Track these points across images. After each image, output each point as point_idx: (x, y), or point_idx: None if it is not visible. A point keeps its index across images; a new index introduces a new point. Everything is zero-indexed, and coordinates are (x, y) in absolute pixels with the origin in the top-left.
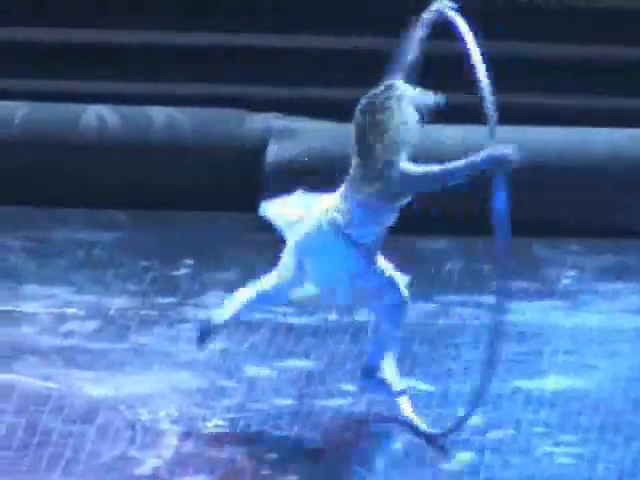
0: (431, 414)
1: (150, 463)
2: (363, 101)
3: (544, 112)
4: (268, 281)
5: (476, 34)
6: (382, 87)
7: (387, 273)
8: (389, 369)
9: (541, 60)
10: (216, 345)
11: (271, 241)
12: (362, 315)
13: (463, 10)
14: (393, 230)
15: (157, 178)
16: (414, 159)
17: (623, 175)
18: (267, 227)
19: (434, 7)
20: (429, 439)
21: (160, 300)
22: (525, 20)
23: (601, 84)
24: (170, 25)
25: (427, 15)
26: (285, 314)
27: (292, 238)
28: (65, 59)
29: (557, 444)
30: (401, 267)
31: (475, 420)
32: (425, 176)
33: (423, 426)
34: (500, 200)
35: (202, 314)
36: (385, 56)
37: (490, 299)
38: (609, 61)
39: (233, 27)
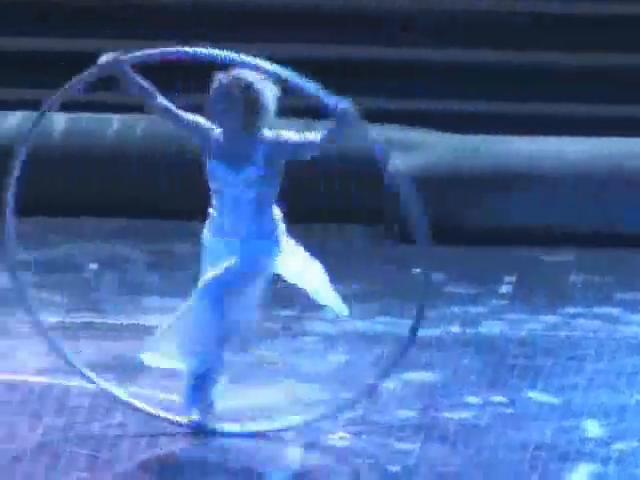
0: (553, 426)
1: (275, 477)
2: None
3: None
4: None
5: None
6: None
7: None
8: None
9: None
10: (338, 358)
11: (397, 255)
12: (486, 327)
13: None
14: (518, 243)
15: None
16: None
17: None
18: (394, 241)
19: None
20: None
21: (282, 312)
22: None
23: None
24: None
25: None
26: (408, 326)
27: None
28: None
29: None
30: (524, 280)
31: (599, 432)
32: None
33: None
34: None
35: (322, 327)
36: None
37: (614, 311)
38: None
39: (350, 40)
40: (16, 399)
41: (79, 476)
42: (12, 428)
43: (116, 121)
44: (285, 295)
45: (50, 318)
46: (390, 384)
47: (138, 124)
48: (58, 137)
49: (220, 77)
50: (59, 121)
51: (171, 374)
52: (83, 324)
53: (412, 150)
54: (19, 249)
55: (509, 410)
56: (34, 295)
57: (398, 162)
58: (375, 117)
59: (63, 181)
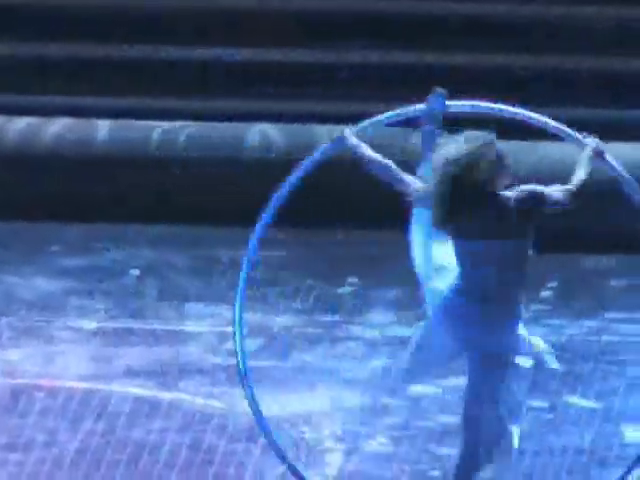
0: (593, 431)
1: None
2: None
3: None
4: None
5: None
6: None
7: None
8: None
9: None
10: (379, 362)
11: None
12: (527, 332)
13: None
14: (558, 248)
15: (319, 196)
16: None
17: None
18: None
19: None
20: None
21: (324, 318)
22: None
23: None
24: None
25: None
26: None
27: None
28: (224, 77)
29: None
30: (565, 284)
31: (639, 437)
32: None
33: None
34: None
35: (364, 332)
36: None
37: None
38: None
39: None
40: (57, 404)
41: None
42: (53, 434)
43: (158, 128)
44: (327, 300)
45: (92, 324)
46: (431, 389)
47: (181, 131)
48: (100, 144)
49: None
50: (103, 128)
51: (212, 381)
52: (123, 330)
53: None
54: (63, 255)
55: (549, 415)
56: (76, 302)
57: None
58: None
59: (107, 188)
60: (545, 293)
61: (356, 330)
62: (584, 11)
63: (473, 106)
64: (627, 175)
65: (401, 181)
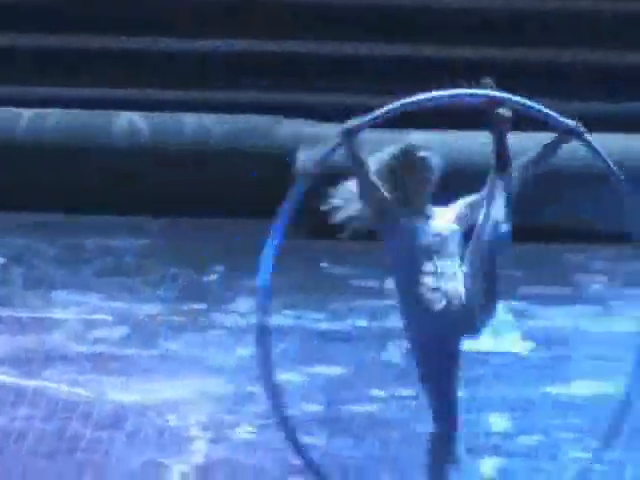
0: (460, 419)
1: (178, 469)
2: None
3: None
4: None
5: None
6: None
7: None
8: None
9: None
10: (245, 351)
11: (301, 247)
12: (392, 320)
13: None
14: None
15: (186, 185)
16: None
17: None
18: (297, 233)
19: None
20: None
21: (190, 306)
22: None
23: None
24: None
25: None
26: (315, 320)
27: None
28: (91, 65)
29: (586, 449)
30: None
31: (504, 426)
32: None
33: None
34: None
35: (230, 320)
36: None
37: (519, 305)
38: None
39: (265, 35)
40: None
41: None
42: None
43: (26, 116)
44: (192, 289)
45: None
46: (296, 378)
47: (49, 117)
48: None
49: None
50: None
51: (77, 369)
52: None
53: (321, 144)
54: None
55: (415, 403)
56: None
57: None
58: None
59: None
60: None
61: (221, 318)
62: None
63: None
64: (607, 157)
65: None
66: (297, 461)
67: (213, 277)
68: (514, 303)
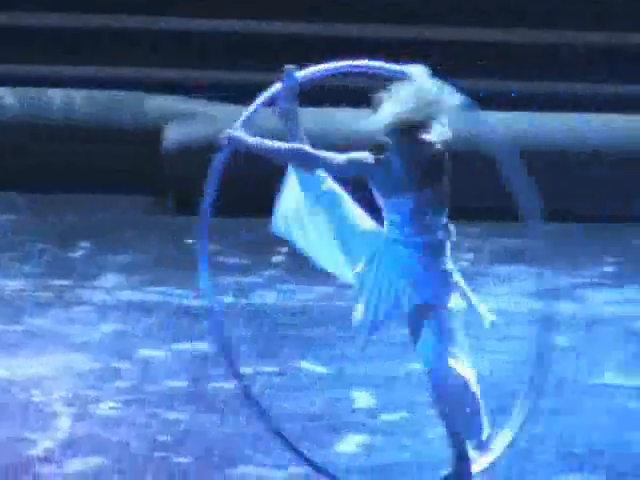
0: (323, 396)
1: (43, 445)
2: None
3: None
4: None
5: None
6: None
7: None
8: None
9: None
10: (109, 327)
11: (167, 223)
12: (258, 297)
13: None
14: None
15: (54, 161)
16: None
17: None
18: (163, 210)
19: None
20: None
21: (55, 282)
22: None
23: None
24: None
25: None
26: (180, 297)
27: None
28: None
29: None
30: (299, 250)
31: (368, 402)
32: None
33: None
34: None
35: (95, 296)
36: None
37: None
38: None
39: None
40: None
41: None
42: None
43: None
44: (58, 265)
45: None
46: (161, 354)
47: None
48: None
49: None
50: None
51: None
52: None
53: (188, 120)
54: None
55: (280, 380)
56: None
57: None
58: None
59: None
60: (277, 258)
61: (87, 294)
62: None
63: (323, 70)
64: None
65: (331, 160)
66: (162, 437)
67: (79, 253)
68: None
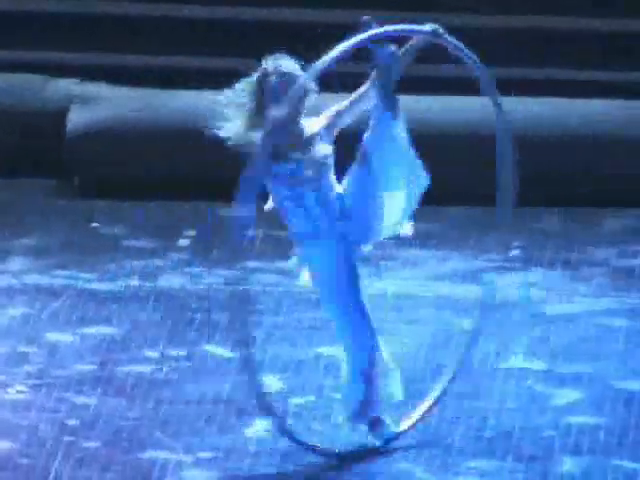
0: (231, 380)
1: None
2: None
3: None
4: None
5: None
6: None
7: None
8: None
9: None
10: (16, 311)
11: (70, 207)
12: (165, 281)
13: None
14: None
15: None
16: None
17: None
18: (67, 193)
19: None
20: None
21: None
22: None
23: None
24: None
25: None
26: (87, 280)
27: None
28: None
29: None
30: (204, 234)
31: (277, 386)
32: None
33: None
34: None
35: (5, 280)
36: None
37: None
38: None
39: None
40: None
41: None
42: None
43: None
44: None
45: None
46: (68, 338)
47: None
48: None
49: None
50: None
51: None
52: None
53: (92, 104)
54: None
55: (187, 364)
56: None
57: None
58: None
59: None
60: (183, 242)
61: None
62: None
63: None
64: (471, 54)
65: None
66: (71, 421)
67: None
68: (286, 264)
